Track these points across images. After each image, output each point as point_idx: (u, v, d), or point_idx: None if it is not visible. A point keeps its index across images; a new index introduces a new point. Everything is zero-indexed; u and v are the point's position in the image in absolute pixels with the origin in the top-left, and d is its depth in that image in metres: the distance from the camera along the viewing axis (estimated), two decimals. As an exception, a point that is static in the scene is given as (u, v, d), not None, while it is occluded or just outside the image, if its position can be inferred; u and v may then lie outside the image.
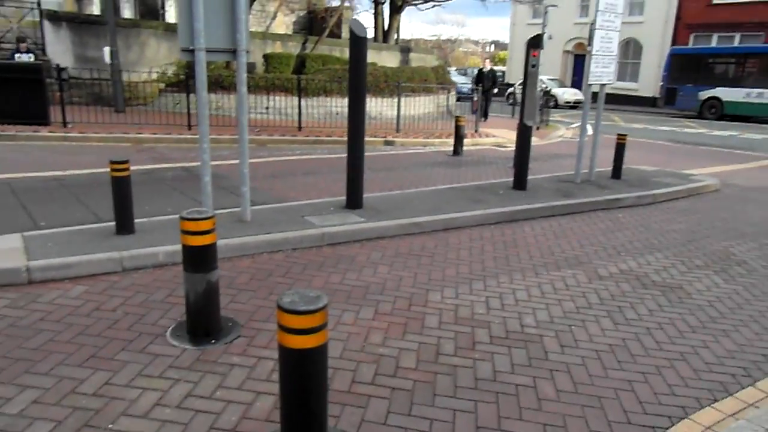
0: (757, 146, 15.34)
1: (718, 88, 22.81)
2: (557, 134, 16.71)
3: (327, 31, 21.49)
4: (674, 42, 27.69)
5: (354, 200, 6.67)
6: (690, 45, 27.13)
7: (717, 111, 22.82)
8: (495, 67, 23.10)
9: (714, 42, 26.62)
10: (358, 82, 6.28)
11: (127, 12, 20.81)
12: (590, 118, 9.21)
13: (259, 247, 5.30)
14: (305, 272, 4.90)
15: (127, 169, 5.22)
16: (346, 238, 5.79)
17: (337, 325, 3.96)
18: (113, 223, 5.37)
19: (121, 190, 5.24)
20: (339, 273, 4.92)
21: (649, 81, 29.07)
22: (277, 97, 14.81)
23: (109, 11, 14.22)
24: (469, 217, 6.64)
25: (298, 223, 5.86)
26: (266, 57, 18.40)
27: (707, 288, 5.01)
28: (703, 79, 23.36)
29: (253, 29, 20.85)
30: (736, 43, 26.02)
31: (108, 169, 5.40)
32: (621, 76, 29.79)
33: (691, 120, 23.08)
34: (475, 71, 20.06)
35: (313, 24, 24.38)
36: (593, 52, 8.71)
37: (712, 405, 3.20)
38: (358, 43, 6.19)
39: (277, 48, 19.58)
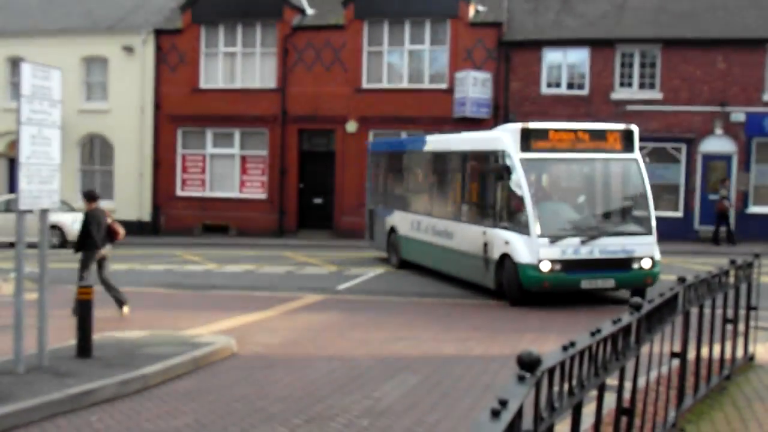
0: (278, 284, 12.63)
1: (395, 213, 14.18)
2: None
3: None
4: (156, 139, 21.01)
5: None
6: (180, 142, 20.98)
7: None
8: None
9: (209, 139, 20.86)
10: None
11: None
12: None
13: None
14: None
15: None
16: None
17: None
18: None
19: None
20: None
21: (130, 196, 20.97)
22: None
23: None
24: None
25: None
26: None
27: None
28: (391, 198, 14.73)
29: None
30: (237, 141, 20.67)
31: None
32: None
33: (196, 252, 17.43)
34: None
35: None
36: (22, 160, 5.90)
37: None
38: None
39: None
